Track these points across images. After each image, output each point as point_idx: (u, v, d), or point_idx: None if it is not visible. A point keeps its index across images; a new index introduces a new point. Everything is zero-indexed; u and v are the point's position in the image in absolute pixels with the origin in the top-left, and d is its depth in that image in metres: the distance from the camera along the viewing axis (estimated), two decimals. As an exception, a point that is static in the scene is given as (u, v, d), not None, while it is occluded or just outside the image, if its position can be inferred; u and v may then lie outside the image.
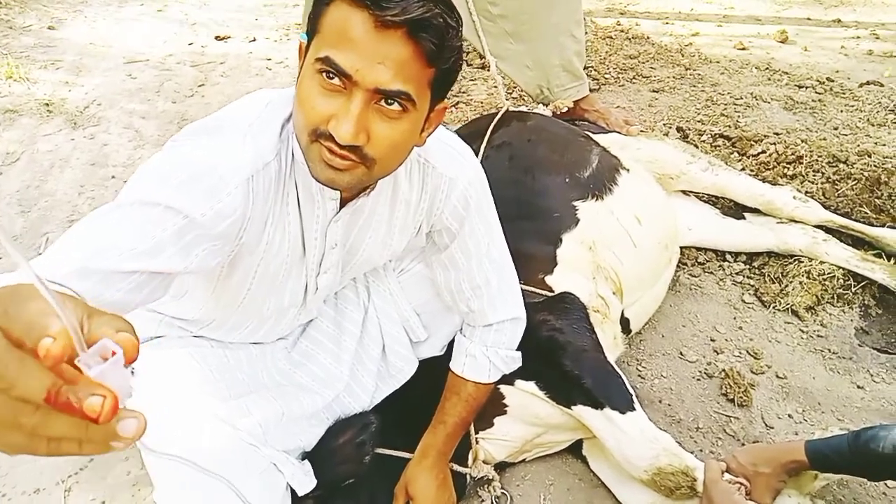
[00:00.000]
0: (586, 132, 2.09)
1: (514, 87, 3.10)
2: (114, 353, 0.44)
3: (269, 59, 3.91)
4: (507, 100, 2.30)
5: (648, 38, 3.81)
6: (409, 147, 1.01)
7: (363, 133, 0.90)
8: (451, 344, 1.50)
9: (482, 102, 3.17)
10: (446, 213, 1.26)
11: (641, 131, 2.32)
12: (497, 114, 2.03)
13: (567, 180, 1.80)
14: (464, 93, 3.30)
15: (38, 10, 4.54)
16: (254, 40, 4.19)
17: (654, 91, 3.19)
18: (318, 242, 1.16)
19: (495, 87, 2.30)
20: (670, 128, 2.74)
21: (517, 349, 1.45)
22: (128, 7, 4.74)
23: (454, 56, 0.94)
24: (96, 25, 4.37)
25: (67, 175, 2.78)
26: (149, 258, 0.87)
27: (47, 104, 3.28)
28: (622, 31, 3.90)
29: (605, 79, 3.32)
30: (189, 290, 1.19)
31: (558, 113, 2.39)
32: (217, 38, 4.21)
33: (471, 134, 1.93)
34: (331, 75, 0.89)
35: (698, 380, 1.82)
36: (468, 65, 3.57)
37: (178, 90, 3.54)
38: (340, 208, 1.13)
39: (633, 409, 1.42)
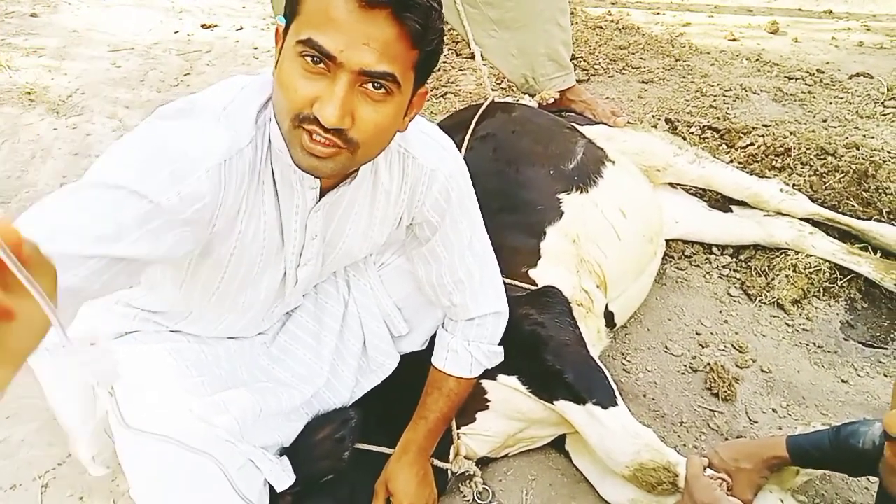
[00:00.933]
0: (572, 123, 2.07)
1: (502, 78, 3.07)
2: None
3: (256, 48, 3.87)
4: (494, 91, 2.27)
5: (639, 28, 3.77)
6: (392, 131, 1.00)
7: (348, 116, 0.89)
8: (432, 338, 1.48)
9: (470, 93, 3.14)
10: (427, 206, 1.24)
11: (628, 123, 2.29)
12: (482, 105, 2.00)
13: (551, 172, 1.78)
14: (452, 83, 3.27)
15: (21, -3, 4.47)
16: (240, 29, 4.14)
17: (643, 82, 3.17)
18: (298, 233, 1.14)
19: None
20: (659, 119, 2.72)
21: (499, 344, 1.44)
22: (113, -6, 4.68)
23: (437, 38, 0.93)
24: (80, 12, 4.30)
25: (49, 165, 2.74)
26: (109, 242, 0.83)
27: (29, 92, 3.23)
28: (612, 21, 3.86)
29: (595, 69, 3.30)
30: (159, 282, 1.17)
31: (544, 104, 2.36)
32: (203, 26, 4.16)
33: (455, 125, 1.90)
34: (315, 59, 0.87)
35: (683, 374, 1.81)
36: (457, 55, 3.53)
37: (163, 79, 3.49)
38: (320, 198, 1.11)
39: (616, 404, 1.41)
